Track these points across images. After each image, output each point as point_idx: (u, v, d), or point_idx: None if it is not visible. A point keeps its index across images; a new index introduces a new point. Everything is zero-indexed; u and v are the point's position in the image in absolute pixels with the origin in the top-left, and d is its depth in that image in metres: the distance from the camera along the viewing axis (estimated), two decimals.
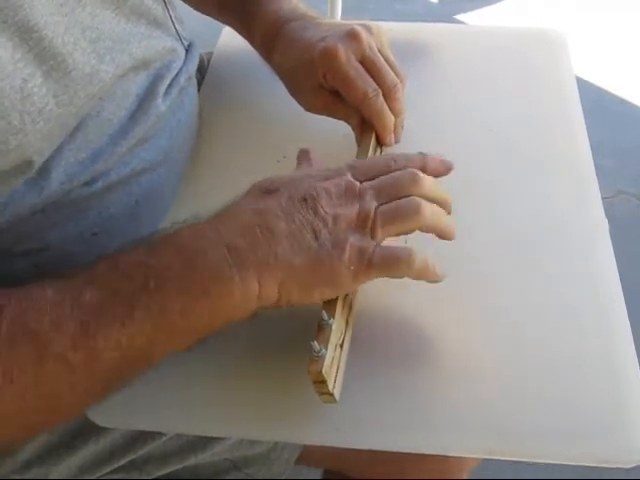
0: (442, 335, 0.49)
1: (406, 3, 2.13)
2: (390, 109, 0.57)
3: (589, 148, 0.62)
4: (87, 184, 0.49)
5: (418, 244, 0.54)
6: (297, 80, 0.60)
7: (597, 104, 1.70)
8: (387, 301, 0.46)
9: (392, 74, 0.57)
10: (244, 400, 0.47)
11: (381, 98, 0.56)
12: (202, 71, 0.73)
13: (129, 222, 0.54)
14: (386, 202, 0.45)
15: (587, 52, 1.78)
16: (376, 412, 0.45)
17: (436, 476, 0.62)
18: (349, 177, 0.46)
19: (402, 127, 0.60)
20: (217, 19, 0.70)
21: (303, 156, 0.53)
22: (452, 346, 0.49)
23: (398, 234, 0.46)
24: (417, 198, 0.45)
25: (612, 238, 0.55)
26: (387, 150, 0.60)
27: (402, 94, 0.57)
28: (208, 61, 0.75)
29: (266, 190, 0.45)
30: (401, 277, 0.44)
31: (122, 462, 0.54)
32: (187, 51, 0.62)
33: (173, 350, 0.43)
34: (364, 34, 0.56)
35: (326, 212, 0.44)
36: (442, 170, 0.49)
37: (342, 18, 1.59)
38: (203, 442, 0.55)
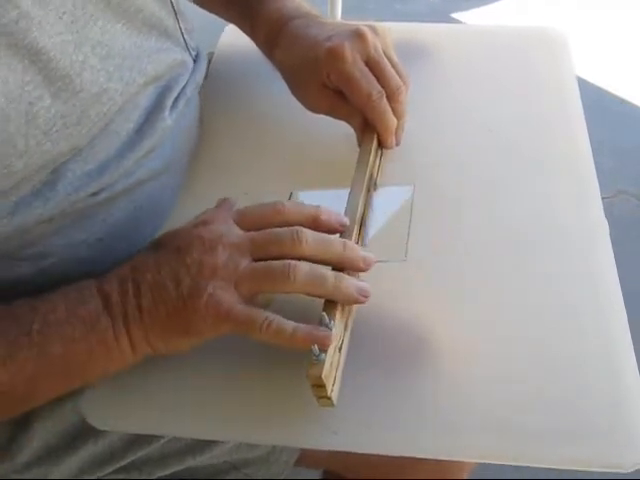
0: (441, 337, 0.49)
1: (406, 3, 2.13)
2: (393, 111, 0.57)
3: (590, 148, 0.62)
4: (93, 195, 0.49)
5: (422, 244, 0.54)
6: (300, 78, 0.60)
7: (597, 104, 1.70)
8: (385, 304, 0.46)
9: (396, 76, 0.57)
10: (242, 404, 0.47)
11: (385, 100, 0.56)
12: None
13: (132, 227, 0.54)
14: (262, 258, 0.44)
15: (587, 52, 1.77)
16: (374, 416, 0.45)
17: (435, 477, 0.62)
18: (230, 224, 0.46)
19: (403, 129, 0.60)
20: (221, 16, 0.70)
21: (221, 201, 0.51)
22: (451, 348, 0.48)
23: (268, 293, 0.45)
24: (292, 262, 0.43)
25: (612, 238, 0.55)
26: (388, 152, 0.60)
27: (405, 97, 0.57)
28: (209, 61, 0.74)
29: (151, 246, 0.47)
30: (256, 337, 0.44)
31: (121, 463, 0.54)
32: (195, 61, 0.62)
33: (56, 393, 0.46)
34: (370, 35, 0.56)
35: (192, 259, 0.43)
36: (335, 227, 0.48)
37: (342, 18, 1.59)
38: (202, 445, 0.55)
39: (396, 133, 0.59)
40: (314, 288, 0.44)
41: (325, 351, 0.42)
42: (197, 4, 0.70)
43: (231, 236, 0.45)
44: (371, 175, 0.57)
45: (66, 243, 0.50)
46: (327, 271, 0.44)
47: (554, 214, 0.56)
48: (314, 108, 0.61)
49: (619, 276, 0.52)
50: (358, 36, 0.56)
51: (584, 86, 0.68)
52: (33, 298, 0.45)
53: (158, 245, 0.46)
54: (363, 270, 0.46)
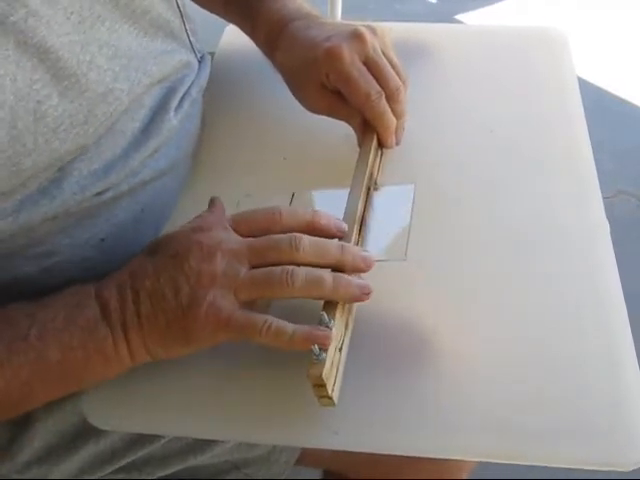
0: (441, 337, 0.49)
1: (406, 3, 2.13)
2: (392, 111, 0.57)
3: (590, 148, 0.62)
4: (98, 194, 0.49)
5: (422, 244, 0.54)
6: (299, 79, 0.60)
7: (597, 104, 1.70)
8: (385, 303, 0.46)
9: (395, 76, 0.57)
10: (243, 403, 0.47)
11: (384, 100, 0.56)
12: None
13: (135, 227, 0.55)
14: (261, 265, 0.44)
15: (587, 52, 1.77)
16: (374, 415, 0.45)
17: (435, 476, 0.62)
18: (228, 230, 0.46)
19: (403, 129, 0.60)
20: (222, 16, 0.70)
21: (212, 204, 0.50)
22: (451, 348, 0.48)
23: (267, 298, 0.46)
24: (289, 268, 0.43)
25: (612, 238, 0.55)
26: (388, 152, 0.60)
27: (405, 96, 0.57)
28: (210, 62, 0.74)
29: (148, 250, 0.46)
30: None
31: (122, 463, 0.54)
32: (200, 62, 0.62)
33: (51, 398, 0.46)
34: (368, 35, 0.56)
35: (190, 267, 0.43)
36: (334, 232, 0.48)
37: (342, 18, 1.59)
38: (202, 444, 0.55)
39: (396, 133, 0.59)
40: (313, 291, 0.44)
41: (326, 350, 0.42)
42: (197, 4, 0.70)
43: (229, 243, 0.44)
44: (371, 175, 0.57)
45: (70, 243, 0.50)
46: (325, 273, 0.44)
47: (554, 214, 0.56)
48: (314, 109, 0.61)
49: (619, 276, 0.52)
50: (356, 36, 0.56)
51: (584, 86, 0.68)
52: (30, 303, 0.45)
53: (156, 249, 0.46)
54: (364, 270, 0.46)
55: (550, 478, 0.59)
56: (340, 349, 0.44)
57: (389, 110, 0.56)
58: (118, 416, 0.48)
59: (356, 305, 0.48)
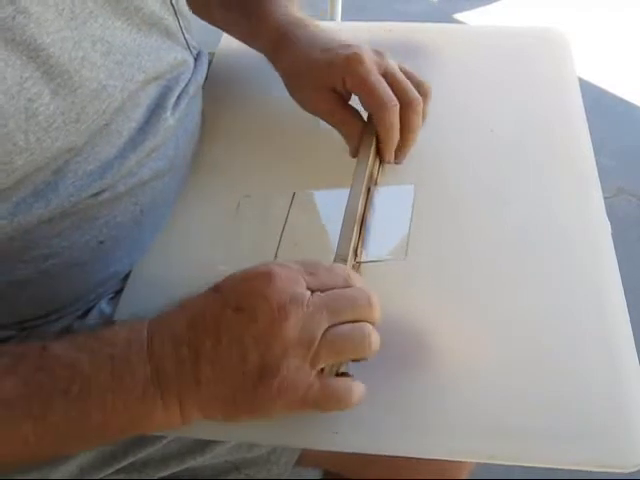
0: (441, 338, 0.49)
1: (406, 3, 2.13)
2: (408, 122, 0.57)
3: (591, 148, 0.62)
4: (94, 195, 0.49)
5: (422, 244, 0.54)
6: (304, 80, 0.60)
7: (598, 104, 1.70)
8: (386, 304, 0.45)
9: (414, 89, 0.57)
10: None
11: (397, 114, 0.56)
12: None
13: (134, 229, 0.54)
14: (336, 324, 0.40)
15: (588, 52, 1.77)
16: (375, 416, 0.45)
17: (435, 476, 0.62)
18: (300, 284, 0.40)
19: (412, 145, 0.59)
20: (216, 22, 0.70)
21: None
22: (451, 349, 0.48)
23: (340, 361, 0.41)
24: (368, 326, 0.41)
25: (613, 238, 0.55)
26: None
27: (424, 109, 0.58)
28: (209, 62, 0.74)
29: (215, 288, 0.41)
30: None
31: (122, 464, 0.54)
32: (196, 60, 0.62)
33: (81, 450, 0.44)
34: (387, 54, 0.58)
35: (259, 331, 0.38)
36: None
37: (342, 18, 1.59)
38: (202, 445, 0.55)
39: (403, 148, 0.59)
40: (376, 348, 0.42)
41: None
42: (195, 13, 0.70)
43: (302, 300, 0.39)
44: (371, 175, 0.57)
45: (68, 245, 0.49)
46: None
47: (555, 214, 0.56)
48: (313, 109, 0.61)
49: (620, 276, 0.52)
50: (376, 51, 0.58)
51: (585, 86, 0.68)
52: (71, 344, 0.41)
53: (216, 295, 0.41)
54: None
55: (550, 479, 0.59)
56: None
57: (397, 125, 0.56)
58: None
59: None
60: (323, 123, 0.61)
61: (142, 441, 0.54)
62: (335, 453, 0.45)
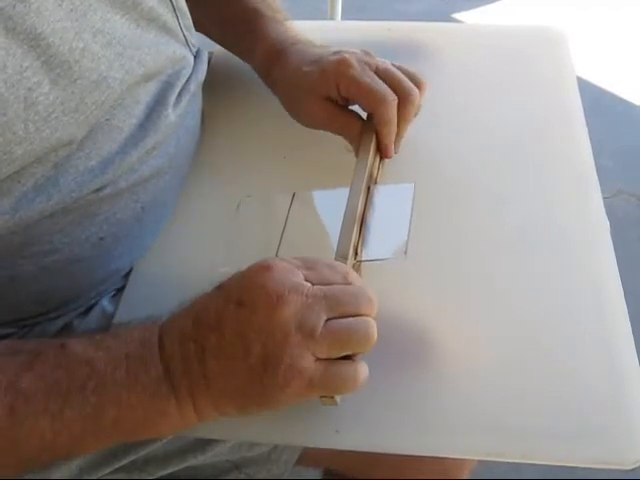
0: (441, 337, 0.49)
1: (406, 3, 2.13)
2: (404, 113, 0.57)
3: (590, 148, 0.62)
4: (95, 191, 0.49)
5: (421, 244, 0.54)
6: (298, 92, 0.61)
7: (597, 103, 1.70)
8: (386, 303, 0.46)
9: (408, 81, 0.57)
10: None
11: (395, 108, 0.56)
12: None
13: (135, 227, 0.54)
14: (336, 317, 0.40)
15: (587, 51, 1.78)
16: (375, 414, 0.45)
17: (436, 476, 0.62)
18: (298, 275, 0.41)
19: (404, 136, 0.59)
20: (213, 36, 0.70)
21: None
22: (451, 348, 0.48)
23: (342, 354, 0.41)
24: (371, 320, 0.41)
25: (612, 238, 0.55)
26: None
27: (419, 100, 0.58)
28: (208, 62, 0.74)
29: (214, 290, 0.42)
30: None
31: (123, 462, 0.54)
32: (196, 57, 0.62)
33: (96, 449, 0.45)
34: (374, 54, 0.59)
35: (259, 322, 0.39)
36: None
37: (342, 18, 1.59)
38: (203, 444, 0.55)
39: (399, 140, 0.59)
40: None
41: None
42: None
43: (301, 290, 0.40)
44: (371, 174, 0.57)
45: (69, 242, 0.49)
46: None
47: (554, 214, 0.56)
48: (311, 121, 0.61)
49: (619, 276, 0.52)
50: (364, 52, 0.58)
51: (584, 86, 0.68)
52: (90, 342, 0.42)
53: (220, 292, 0.42)
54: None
55: (550, 477, 0.59)
56: None
57: (395, 119, 0.57)
58: None
59: None
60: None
61: (143, 440, 0.54)
62: (336, 452, 0.45)
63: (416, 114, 0.59)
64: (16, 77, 0.40)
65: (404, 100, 0.56)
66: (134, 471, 0.55)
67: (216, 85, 0.71)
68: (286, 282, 0.40)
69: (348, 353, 0.41)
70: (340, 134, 0.60)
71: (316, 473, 0.78)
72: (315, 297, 0.40)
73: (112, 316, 0.54)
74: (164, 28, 0.56)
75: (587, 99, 0.68)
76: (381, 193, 0.57)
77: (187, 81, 0.59)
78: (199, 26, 0.67)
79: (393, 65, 0.58)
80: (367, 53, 0.59)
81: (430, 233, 0.55)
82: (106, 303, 0.56)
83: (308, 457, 0.60)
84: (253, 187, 0.61)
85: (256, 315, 0.39)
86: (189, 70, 0.60)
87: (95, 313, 0.55)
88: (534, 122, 0.64)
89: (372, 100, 0.56)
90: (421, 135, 0.61)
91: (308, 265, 0.42)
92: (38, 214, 0.46)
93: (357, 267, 0.51)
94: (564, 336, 0.48)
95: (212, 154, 0.65)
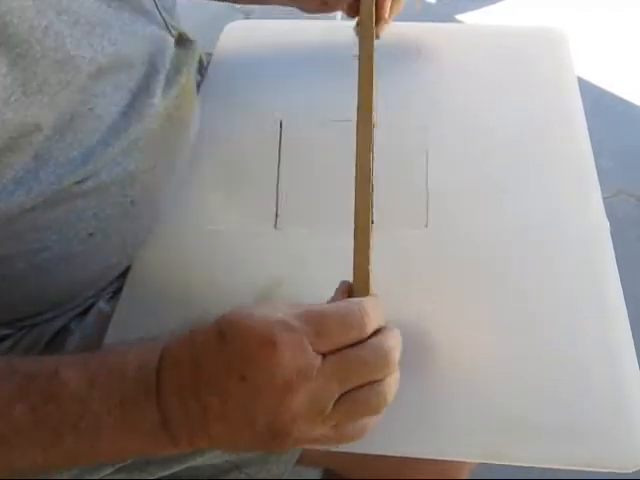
0: (441, 338, 0.49)
1: (406, 3, 2.12)
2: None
3: (590, 148, 0.62)
4: (77, 183, 0.48)
5: (419, 244, 0.54)
6: None
7: (597, 104, 1.70)
8: (386, 304, 0.45)
9: None
10: None
11: None
12: (201, 71, 0.72)
13: (126, 222, 0.53)
14: (349, 390, 0.37)
15: (588, 51, 1.77)
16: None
17: (435, 476, 0.62)
18: (307, 350, 0.36)
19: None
20: None
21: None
22: (451, 349, 0.48)
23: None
24: (386, 385, 0.38)
25: (612, 238, 0.55)
26: (387, 153, 0.59)
27: None
28: (208, 62, 0.74)
29: (218, 333, 0.38)
30: None
31: (123, 463, 0.54)
32: (182, 46, 0.60)
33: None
34: None
35: (265, 404, 0.36)
36: None
37: (342, 18, 1.58)
38: None
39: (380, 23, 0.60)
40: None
41: None
42: None
43: (311, 374, 0.36)
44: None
45: (57, 239, 0.49)
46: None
47: (554, 214, 0.56)
48: (309, 8, 0.67)
49: (619, 276, 0.52)
50: None
51: (584, 86, 0.68)
52: (80, 373, 0.39)
53: (220, 352, 0.37)
54: None
55: (551, 479, 0.59)
56: None
57: None
58: None
59: None
60: (321, 121, 0.61)
61: None
62: (335, 453, 0.45)
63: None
64: None
65: None
66: (135, 471, 0.55)
67: (215, 84, 0.71)
68: (293, 365, 0.36)
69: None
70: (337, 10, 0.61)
71: (316, 473, 0.78)
72: (325, 377, 0.36)
73: (109, 317, 0.54)
74: (140, 9, 0.53)
75: (587, 99, 0.68)
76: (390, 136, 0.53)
77: (176, 72, 0.57)
78: None
79: None
80: None
81: (427, 235, 0.55)
82: (103, 304, 0.55)
83: (308, 457, 0.60)
84: (252, 188, 0.61)
85: (262, 398, 0.36)
86: (170, 53, 0.57)
87: (92, 314, 0.55)
88: (534, 122, 0.64)
89: None
90: (421, 135, 0.61)
91: (317, 329, 0.37)
92: (18, 207, 0.45)
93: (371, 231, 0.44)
94: (564, 336, 0.48)
95: (210, 153, 0.65)
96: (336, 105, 0.59)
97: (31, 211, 0.46)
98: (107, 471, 0.54)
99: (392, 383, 0.38)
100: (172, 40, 0.59)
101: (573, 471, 0.42)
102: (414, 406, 0.45)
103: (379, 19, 0.58)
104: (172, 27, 0.59)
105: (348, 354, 0.37)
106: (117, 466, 0.54)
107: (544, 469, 0.43)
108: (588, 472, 0.42)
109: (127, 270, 0.57)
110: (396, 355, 0.38)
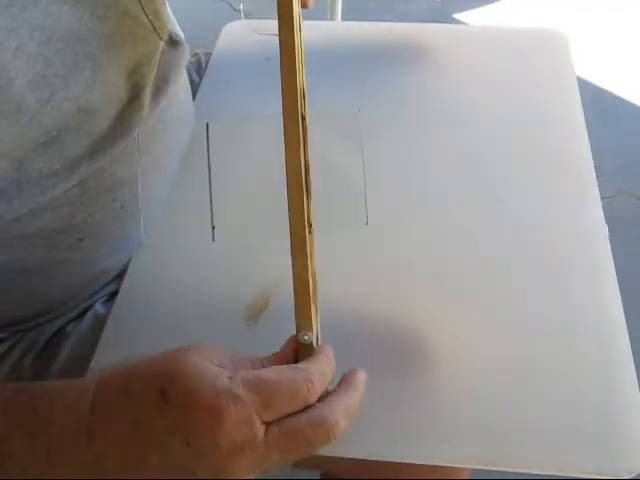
0: (438, 342, 0.49)
1: (406, 3, 2.12)
2: None
3: (589, 148, 0.61)
4: (64, 193, 0.47)
5: (420, 244, 0.54)
6: None
7: (597, 104, 1.70)
8: (382, 308, 0.45)
9: None
10: None
11: None
12: (200, 72, 0.72)
13: (116, 227, 0.53)
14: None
15: (587, 52, 1.77)
16: (370, 421, 0.45)
17: (435, 476, 0.61)
18: (254, 421, 0.35)
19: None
20: None
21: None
22: (448, 353, 0.48)
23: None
24: (325, 428, 0.37)
25: (612, 238, 0.55)
26: (386, 153, 0.59)
27: None
28: (207, 62, 0.74)
29: (159, 391, 0.36)
30: None
31: None
32: (172, 46, 0.57)
33: None
34: None
35: (209, 469, 0.35)
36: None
37: (342, 18, 1.58)
38: None
39: None
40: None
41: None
42: None
43: (254, 445, 0.36)
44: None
45: (47, 244, 0.48)
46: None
47: (553, 215, 0.56)
48: None
49: (618, 276, 0.51)
50: None
51: (584, 86, 0.68)
52: (7, 410, 0.37)
53: (163, 405, 0.36)
54: None
55: (555, 479, 0.59)
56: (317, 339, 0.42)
57: None
58: None
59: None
60: (320, 119, 0.60)
61: None
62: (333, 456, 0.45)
63: None
64: None
65: None
66: None
67: (214, 85, 0.71)
68: (239, 437, 0.35)
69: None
70: None
71: (315, 474, 0.78)
72: (267, 448, 0.36)
73: (105, 320, 0.53)
74: (126, 14, 0.50)
75: (587, 99, 0.68)
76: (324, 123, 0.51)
77: (164, 81, 0.55)
78: None
79: None
80: None
81: (429, 233, 0.55)
82: (99, 307, 0.55)
83: (305, 460, 0.60)
84: (250, 189, 0.61)
85: (204, 464, 0.35)
86: (158, 59, 0.55)
87: (89, 317, 0.54)
88: (534, 122, 0.64)
89: None
90: (420, 136, 0.61)
91: (265, 401, 0.36)
92: (0, 218, 0.44)
93: (311, 240, 0.43)
94: (561, 342, 0.48)
95: (206, 155, 0.64)
96: (336, 105, 0.59)
97: (16, 221, 0.45)
98: None
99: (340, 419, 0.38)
100: (161, 43, 0.56)
101: (569, 478, 0.42)
102: (411, 411, 0.45)
103: None
104: (159, 30, 0.56)
105: (291, 428, 0.37)
106: None
107: (539, 475, 0.43)
108: (582, 479, 0.42)
109: (123, 273, 0.56)
110: (339, 429, 0.38)
